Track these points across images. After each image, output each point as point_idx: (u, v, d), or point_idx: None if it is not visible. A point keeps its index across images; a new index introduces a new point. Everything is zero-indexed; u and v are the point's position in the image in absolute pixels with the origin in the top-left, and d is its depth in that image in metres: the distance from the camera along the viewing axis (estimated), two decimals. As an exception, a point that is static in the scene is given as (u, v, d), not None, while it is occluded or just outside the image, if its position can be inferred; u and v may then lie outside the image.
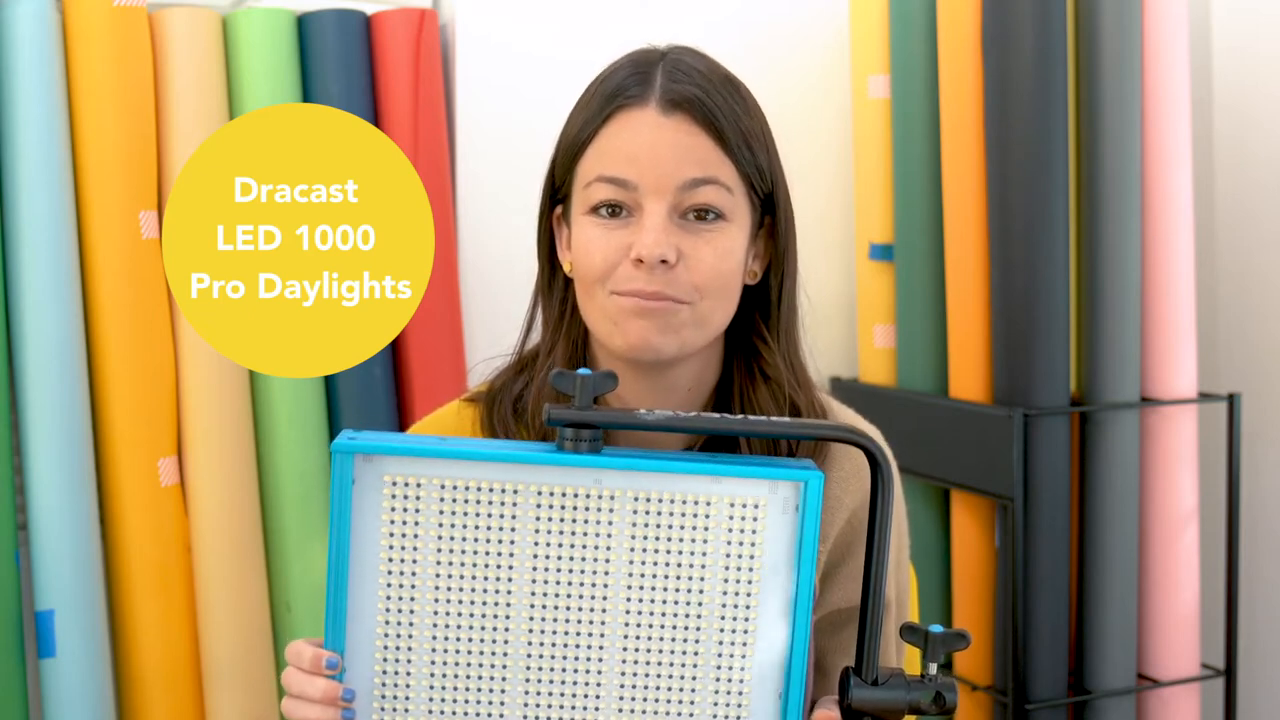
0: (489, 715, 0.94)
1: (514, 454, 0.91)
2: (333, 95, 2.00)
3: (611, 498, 0.91)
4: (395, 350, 2.08)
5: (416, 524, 0.92)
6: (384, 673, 0.94)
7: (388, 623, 0.93)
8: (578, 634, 0.93)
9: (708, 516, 0.92)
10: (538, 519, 0.91)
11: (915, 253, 2.16)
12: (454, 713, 0.94)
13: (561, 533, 0.92)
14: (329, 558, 0.92)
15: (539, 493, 0.91)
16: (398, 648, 0.94)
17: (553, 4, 2.22)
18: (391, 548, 0.92)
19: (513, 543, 0.91)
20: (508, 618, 0.93)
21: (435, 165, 2.06)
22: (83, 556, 1.81)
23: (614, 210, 1.05)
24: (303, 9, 2.02)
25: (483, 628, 0.93)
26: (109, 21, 1.82)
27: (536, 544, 0.91)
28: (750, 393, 1.12)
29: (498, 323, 2.11)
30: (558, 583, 0.92)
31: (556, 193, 1.12)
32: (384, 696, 0.94)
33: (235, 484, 1.93)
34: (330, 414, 2.04)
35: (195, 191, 1.90)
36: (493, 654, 0.93)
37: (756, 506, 0.91)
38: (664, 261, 1.03)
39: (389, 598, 0.93)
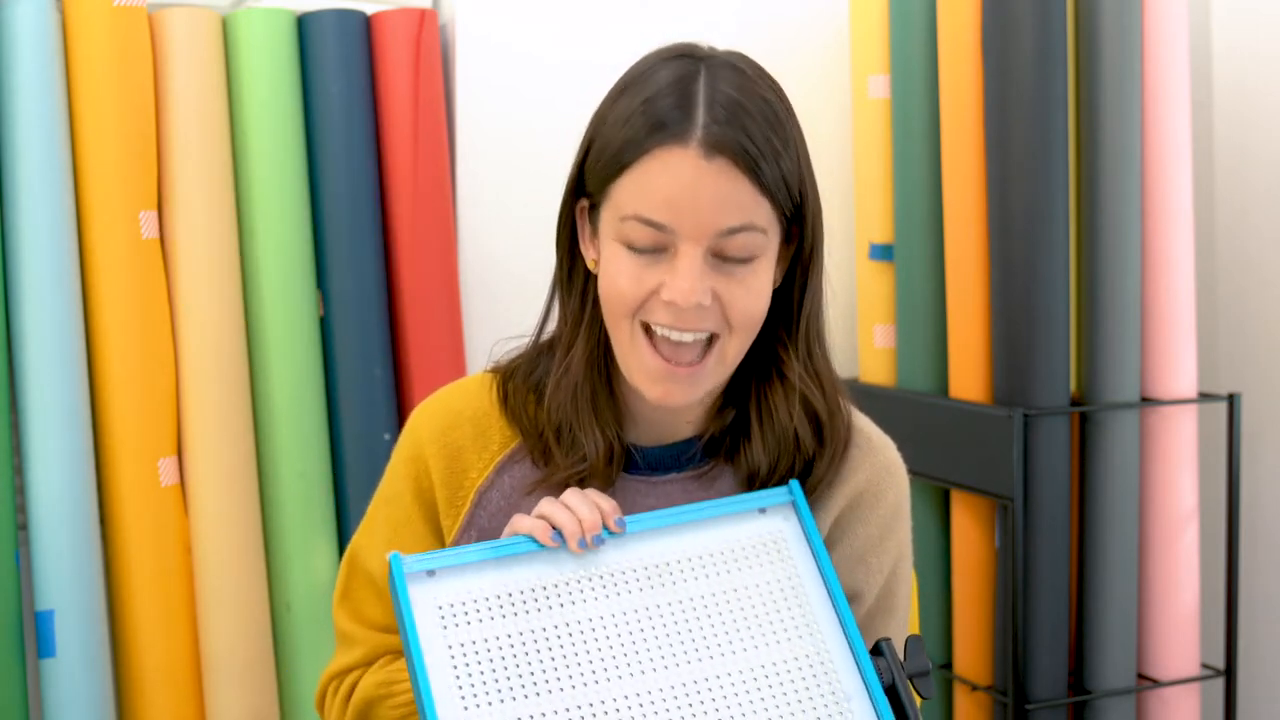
0: None
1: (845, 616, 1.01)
2: (333, 95, 2.00)
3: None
4: (395, 350, 2.08)
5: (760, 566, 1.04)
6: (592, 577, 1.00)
7: (663, 563, 1.02)
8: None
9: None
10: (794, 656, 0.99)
11: (915, 253, 2.16)
12: None
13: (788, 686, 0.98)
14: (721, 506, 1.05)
15: (819, 645, 1.00)
16: (623, 580, 1.00)
17: (553, 4, 2.22)
18: (733, 553, 1.04)
19: (765, 641, 0.99)
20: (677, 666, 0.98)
21: (435, 165, 2.06)
22: (83, 556, 1.81)
23: (649, 251, 1.05)
24: (303, 9, 2.02)
25: (666, 647, 0.98)
26: (109, 21, 1.82)
27: (770, 660, 0.98)
28: (766, 393, 1.12)
29: (498, 323, 2.11)
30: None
31: (585, 192, 1.10)
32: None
33: (235, 484, 1.93)
34: (330, 414, 2.04)
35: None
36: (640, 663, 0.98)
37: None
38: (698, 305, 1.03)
39: (680, 558, 1.02)
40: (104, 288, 1.84)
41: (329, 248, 2.02)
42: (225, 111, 1.95)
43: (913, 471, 2.09)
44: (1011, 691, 1.98)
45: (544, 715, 0.93)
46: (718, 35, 1.16)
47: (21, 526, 1.82)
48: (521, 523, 1.01)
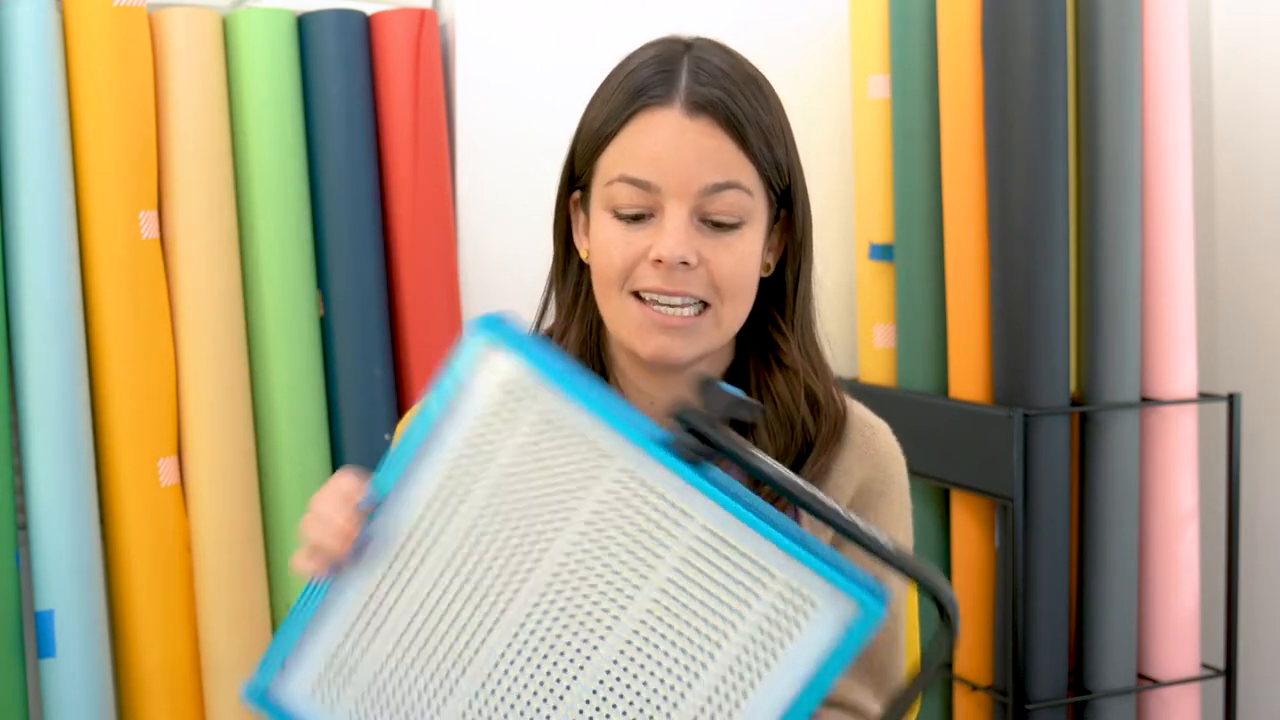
0: (457, 663, 0.89)
1: (631, 431, 0.84)
2: (333, 95, 2.00)
3: (688, 518, 0.84)
4: (395, 350, 2.08)
5: (510, 433, 0.86)
6: (390, 567, 0.90)
7: (425, 516, 0.89)
8: (576, 633, 0.87)
9: (761, 585, 0.84)
10: (608, 495, 0.85)
11: (915, 253, 2.16)
12: (423, 645, 0.90)
13: (621, 523, 0.85)
14: (416, 420, 0.87)
15: (622, 470, 0.85)
16: (416, 549, 0.89)
17: (553, 4, 2.22)
18: (477, 438, 0.87)
19: (574, 508, 0.86)
20: (522, 586, 0.87)
21: (435, 165, 2.06)
22: (83, 556, 1.81)
23: (635, 213, 1.05)
24: (303, 9, 2.02)
25: (499, 581, 0.88)
26: (109, 21, 1.82)
27: (590, 523, 0.86)
28: (767, 382, 1.13)
29: (498, 323, 2.12)
30: (586, 573, 0.86)
31: (576, 179, 1.12)
32: (376, 592, 0.90)
33: (235, 484, 1.93)
34: (330, 414, 2.04)
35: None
36: (490, 611, 0.88)
37: (812, 605, 0.84)
38: (684, 263, 1.04)
39: (440, 492, 0.88)
40: (104, 288, 1.84)
41: (329, 248, 2.02)
42: (225, 111, 1.95)
43: (913, 472, 2.10)
44: (1011, 691, 1.98)
45: None
46: (719, 36, 1.16)
47: (21, 526, 1.82)
48: (296, 563, 0.91)
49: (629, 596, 0.86)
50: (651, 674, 0.87)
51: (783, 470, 0.85)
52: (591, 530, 0.86)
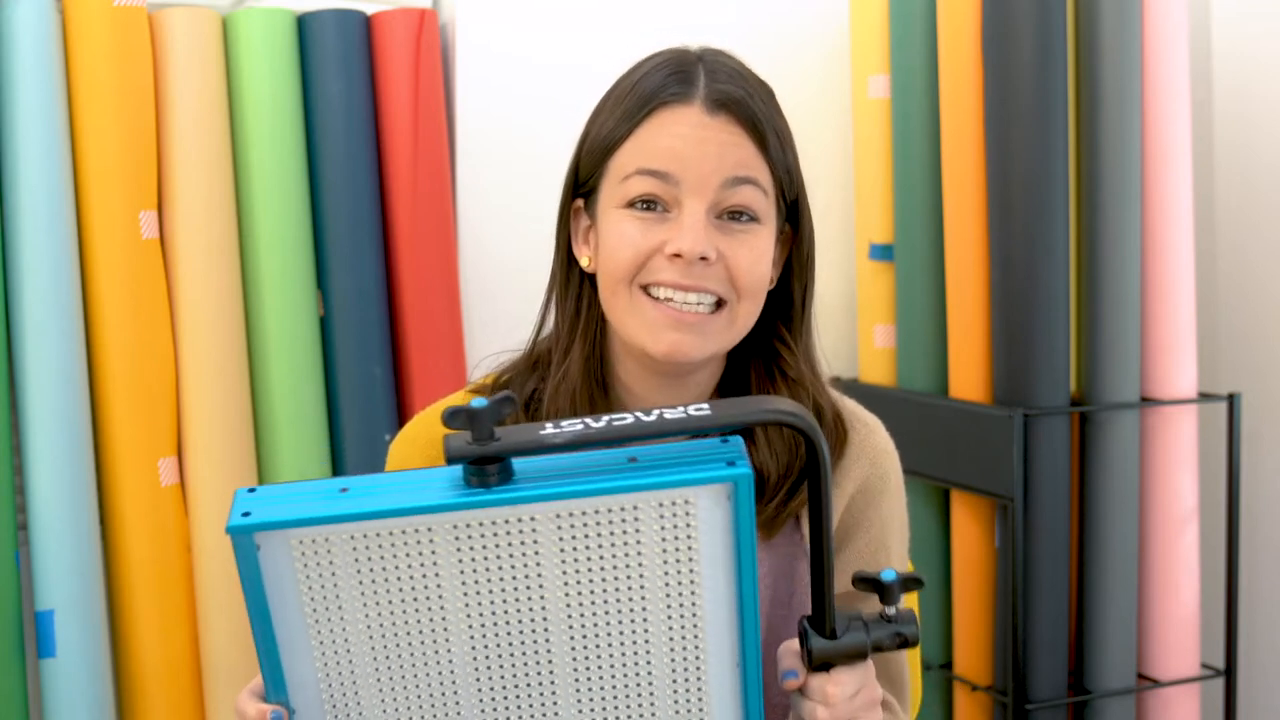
0: None
1: (418, 505, 0.84)
2: (333, 95, 2.00)
3: (532, 519, 0.85)
4: (395, 350, 2.08)
5: (334, 578, 0.86)
6: (334, 713, 0.92)
7: (328, 673, 0.90)
8: (524, 658, 0.89)
9: (637, 520, 0.86)
10: (459, 551, 0.86)
11: (915, 253, 2.16)
12: None
13: (487, 563, 0.86)
14: (251, 622, 0.87)
15: (454, 527, 0.85)
16: (344, 694, 0.91)
17: (553, 4, 2.22)
18: (315, 606, 0.88)
19: (439, 579, 0.87)
20: (450, 654, 0.89)
21: (435, 165, 2.06)
22: (83, 556, 1.81)
23: (650, 204, 1.05)
24: (303, 9, 2.02)
25: (426, 667, 0.90)
26: (109, 21, 1.82)
27: (463, 578, 0.86)
28: (770, 394, 1.12)
29: (498, 323, 2.12)
30: (494, 613, 0.88)
31: (580, 186, 1.12)
32: None
33: (235, 484, 1.93)
34: (330, 414, 2.04)
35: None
36: (441, 686, 0.90)
37: (687, 503, 0.85)
38: (703, 258, 1.03)
39: (324, 652, 0.89)
40: (104, 288, 1.84)
41: (329, 248, 2.02)
42: (225, 111, 1.95)
43: (913, 471, 2.11)
44: (1011, 691, 1.98)
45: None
46: (718, 36, 1.17)
47: (21, 526, 1.82)
48: None
49: (541, 603, 0.88)
50: (609, 645, 0.89)
51: (584, 425, 0.84)
52: (470, 581, 0.87)
